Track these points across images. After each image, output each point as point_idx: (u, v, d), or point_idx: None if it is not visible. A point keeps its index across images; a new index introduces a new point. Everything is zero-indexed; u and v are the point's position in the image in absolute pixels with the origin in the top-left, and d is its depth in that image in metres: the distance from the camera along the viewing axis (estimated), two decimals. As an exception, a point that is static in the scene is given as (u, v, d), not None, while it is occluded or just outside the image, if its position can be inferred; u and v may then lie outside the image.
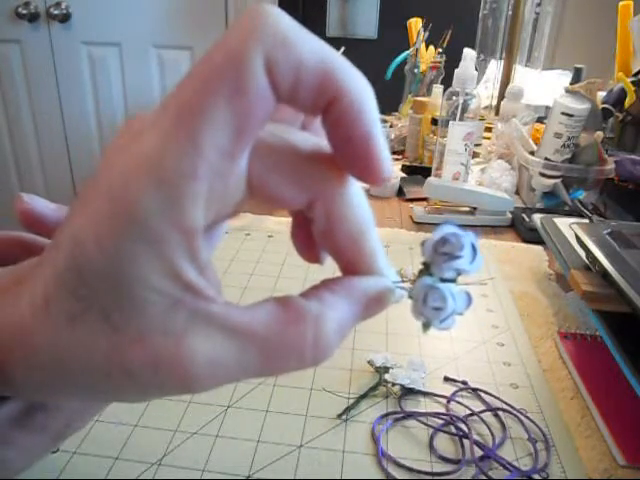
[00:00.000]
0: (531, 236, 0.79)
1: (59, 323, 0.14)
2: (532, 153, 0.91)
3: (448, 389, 0.47)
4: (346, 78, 0.14)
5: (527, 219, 0.83)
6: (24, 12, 1.80)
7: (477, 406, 0.45)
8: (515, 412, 0.44)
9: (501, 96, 1.44)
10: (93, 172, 0.14)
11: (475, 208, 0.86)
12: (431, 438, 0.42)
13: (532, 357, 0.52)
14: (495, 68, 1.62)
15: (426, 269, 0.17)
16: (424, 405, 0.45)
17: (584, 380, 0.48)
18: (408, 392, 0.46)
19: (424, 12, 1.47)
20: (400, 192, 0.98)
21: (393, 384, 0.46)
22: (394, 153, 1.25)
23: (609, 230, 0.55)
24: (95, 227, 0.13)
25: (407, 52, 1.36)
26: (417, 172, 1.08)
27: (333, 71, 0.14)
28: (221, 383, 0.15)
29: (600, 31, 1.29)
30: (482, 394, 0.46)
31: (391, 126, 1.30)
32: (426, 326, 0.17)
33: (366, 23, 2.09)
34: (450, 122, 0.87)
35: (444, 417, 0.44)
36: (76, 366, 0.14)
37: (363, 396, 0.45)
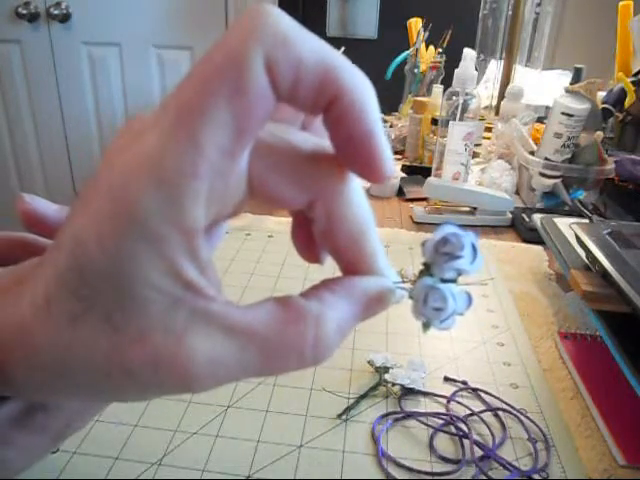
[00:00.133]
0: (531, 236, 0.79)
1: (60, 323, 0.14)
2: (532, 153, 0.91)
3: (448, 389, 0.47)
4: (346, 77, 0.14)
5: (527, 219, 0.83)
6: (24, 12, 1.80)
7: (477, 406, 0.45)
8: (515, 412, 0.44)
9: (501, 96, 1.44)
10: (93, 172, 0.14)
11: (475, 208, 0.86)
12: (431, 438, 0.42)
13: (532, 357, 0.52)
14: (495, 68, 1.62)
15: (427, 269, 0.17)
16: (424, 405, 0.45)
17: (584, 380, 0.48)
18: (408, 392, 0.46)
19: (424, 12, 1.47)
20: (400, 192, 0.98)
21: (393, 384, 0.47)
22: (394, 153, 1.25)
23: (609, 230, 0.55)
24: (96, 227, 0.13)
25: (407, 52, 1.36)
26: (417, 172, 1.08)
27: (333, 70, 0.14)
28: (221, 382, 0.15)
29: (600, 31, 1.29)
30: (482, 394, 0.46)
31: (391, 126, 1.30)
32: (426, 326, 0.17)
33: (366, 23, 2.09)
34: (450, 122, 0.87)
35: (444, 417, 0.44)
36: (77, 366, 0.14)
37: (363, 396, 0.45)
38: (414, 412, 0.44)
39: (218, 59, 0.13)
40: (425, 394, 0.46)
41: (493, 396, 0.46)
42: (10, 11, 1.82)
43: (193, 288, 0.14)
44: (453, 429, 0.43)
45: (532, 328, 0.57)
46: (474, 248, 0.17)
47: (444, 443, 0.42)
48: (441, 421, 0.44)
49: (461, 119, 0.87)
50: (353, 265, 0.17)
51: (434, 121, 1.06)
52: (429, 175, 0.92)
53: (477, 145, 1.14)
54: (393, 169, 0.16)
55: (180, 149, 0.13)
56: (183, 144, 0.13)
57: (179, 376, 0.14)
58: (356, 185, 0.16)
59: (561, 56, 1.77)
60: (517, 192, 1.00)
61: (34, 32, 1.86)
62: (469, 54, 0.88)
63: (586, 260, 0.55)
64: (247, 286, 0.63)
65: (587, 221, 0.65)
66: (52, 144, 2.02)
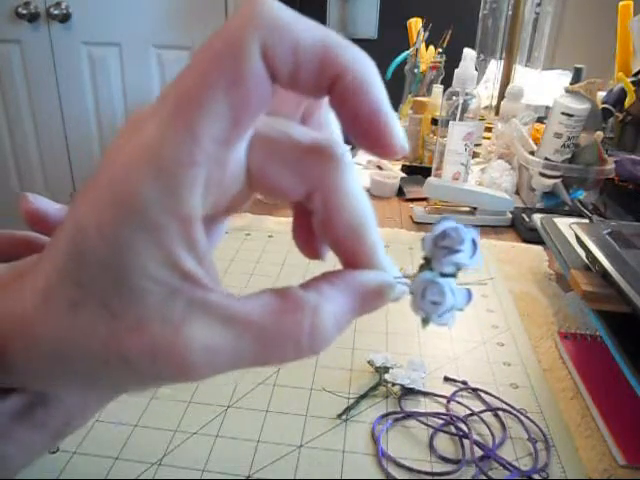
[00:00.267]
0: (531, 236, 0.79)
1: (60, 310, 0.14)
2: (532, 153, 0.91)
3: (448, 389, 0.47)
4: (346, 55, 0.14)
5: (527, 219, 0.83)
6: (24, 12, 1.80)
7: (477, 406, 0.45)
8: (515, 412, 0.44)
9: (501, 96, 1.44)
10: (94, 171, 0.14)
11: (475, 208, 0.86)
12: (431, 438, 0.42)
13: (532, 357, 0.52)
14: (495, 68, 1.62)
15: (426, 264, 0.17)
16: (424, 405, 0.45)
17: (584, 380, 0.48)
18: (408, 392, 0.46)
19: (424, 12, 1.46)
20: (400, 192, 0.98)
21: (393, 384, 0.46)
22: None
23: (609, 230, 0.55)
24: (97, 215, 0.13)
25: (407, 52, 1.36)
26: (417, 172, 1.07)
27: (332, 49, 0.14)
28: (219, 371, 0.15)
29: (600, 31, 1.29)
30: (482, 394, 0.46)
31: (391, 126, 1.30)
32: (425, 321, 0.17)
33: (366, 23, 2.09)
34: (450, 122, 0.87)
35: (444, 417, 0.44)
36: (76, 354, 0.14)
37: (363, 396, 0.45)
38: (414, 412, 0.44)
39: (215, 49, 0.13)
40: (425, 394, 0.46)
41: (493, 396, 0.46)
42: (10, 11, 1.81)
43: (190, 278, 0.14)
44: (453, 429, 0.43)
45: (532, 328, 0.57)
46: (474, 243, 0.17)
47: (444, 443, 0.42)
48: (441, 421, 0.44)
49: (461, 119, 0.87)
50: (353, 257, 0.17)
51: (434, 121, 1.06)
52: (429, 175, 0.92)
53: (477, 145, 1.14)
54: (404, 143, 0.16)
55: (178, 139, 0.13)
56: (181, 134, 0.13)
57: (176, 365, 0.14)
58: (354, 177, 0.16)
59: (561, 56, 1.77)
60: (517, 192, 1.00)
61: (34, 32, 1.86)
62: (469, 54, 0.88)
63: (586, 260, 0.55)
64: (247, 286, 0.63)
65: (587, 221, 0.65)
66: (52, 144, 2.02)
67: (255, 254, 0.71)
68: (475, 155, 1.13)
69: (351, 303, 0.16)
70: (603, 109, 0.96)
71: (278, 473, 0.38)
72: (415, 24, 1.40)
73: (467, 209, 0.88)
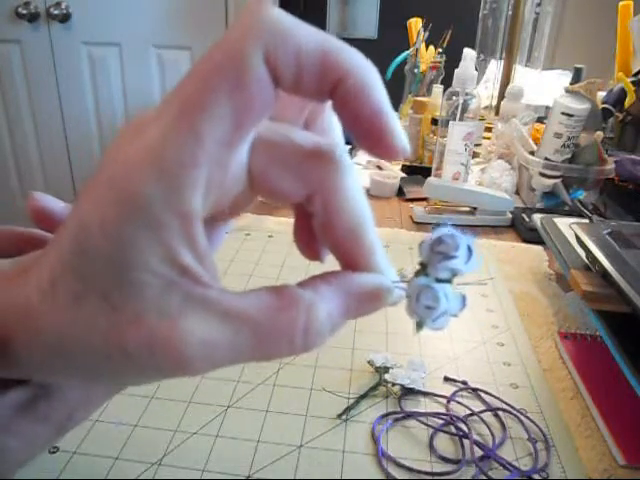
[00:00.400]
0: (531, 236, 0.79)
1: (64, 303, 0.14)
2: (532, 153, 0.91)
3: (448, 389, 0.47)
4: (347, 58, 0.15)
5: (527, 219, 0.83)
6: (24, 12, 1.80)
7: (477, 406, 0.45)
8: (515, 412, 0.44)
9: (501, 96, 1.44)
10: (94, 170, 0.15)
11: (475, 208, 0.86)
12: (431, 438, 0.42)
13: (532, 357, 0.52)
14: (495, 68, 1.62)
15: (423, 269, 0.18)
16: (424, 405, 0.45)
17: (584, 380, 0.48)
18: (408, 392, 0.46)
19: (424, 12, 1.47)
20: (400, 192, 0.98)
21: (393, 384, 0.47)
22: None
23: (609, 230, 0.55)
24: (100, 212, 0.14)
25: (407, 52, 1.36)
26: (417, 172, 1.08)
27: (333, 53, 0.15)
28: (215, 366, 0.15)
29: (600, 31, 1.29)
30: (482, 394, 0.46)
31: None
32: (419, 325, 0.18)
33: (366, 23, 2.09)
34: (450, 122, 0.87)
35: (444, 417, 0.44)
36: (78, 346, 0.14)
37: (363, 396, 0.46)
38: (414, 412, 0.44)
39: (219, 55, 0.14)
40: (425, 394, 0.46)
41: (493, 396, 0.46)
42: (10, 11, 1.81)
43: (189, 274, 0.14)
44: (453, 429, 0.43)
45: (532, 328, 0.57)
46: (469, 249, 0.17)
47: (444, 443, 0.42)
48: (441, 421, 0.44)
49: (461, 119, 0.87)
50: (351, 259, 0.17)
51: (434, 121, 1.06)
52: (429, 175, 0.92)
53: (477, 145, 1.14)
54: (405, 144, 0.16)
55: (180, 140, 0.14)
56: (184, 136, 0.14)
57: (173, 358, 0.14)
58: (353, 180, 0.17)
59: (561, 56, 1.77)
60: (517, 192, 1.00)
61: (34, 32, 1.86)
62: (469, 54, 0.88)
63: (586, 260, 0.55)
64: (246, 287, 0.63)
65: (587, 221, 0.65)
66: (52, 144, 2.02)
67: (255, 254, 0.71)
68: (475, 155, 1.13)
69: (347, 304, 0.17)
70: (603, 109, 0.96)
71: (278, 473, 0.38)
72: (415, 24, 1.40)
73: (467, 209, 0.88)
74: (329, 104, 0.16)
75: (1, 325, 0.15)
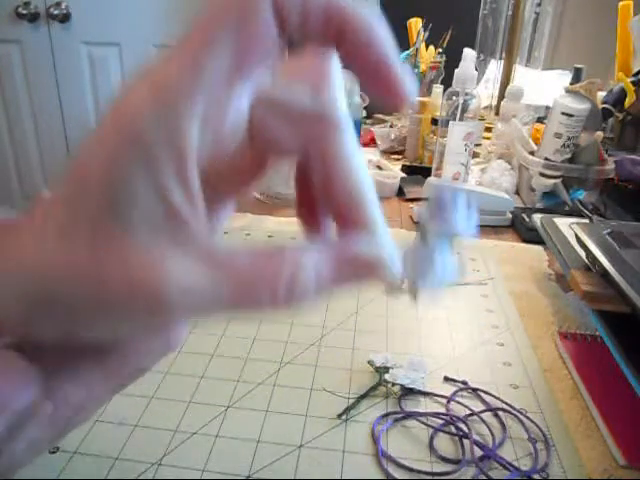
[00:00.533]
0: (531, 236, 0.79)
1: (51, 237, 0.14)
2: (532, 153, 0.91)
3: (448, 389, 0.47)
4: (350, 4, 0.16)
5: (527, 219, 0.83)
6: (24, 12, 1.80)
7: (477, 406, 0.45)
8: (515, 412, 0.44)
9: (501, 96, 1.44)
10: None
11: (475, 208, 0.86)
12: (431, 438, 0.42)
13: (532, 357, 0.52)
14: (495, 68, 1.62)
15: (420, 233, 0.17)
16: (424, 405, 0.45)
17: (584, 380, 0.48)
18: (408, 392, 0.46)
19: (424, 12, 1.47)
20: (400, 192, 0.98)
21: (393, 384, 0.46)
22: (394, 153, 1.25)
23: (609, 230, 0.55)
24: (98, 146, 0.14)
25: (407, 52, 1.36)
26: (417, 172, 1.08)
27: (336, 1, 0.15)
28: (194, 313, 0.15)
29: (600, 31, 1.29)
30: (482, 394, 0.46)
31: (391, 126, 1.30)
32: (413, 292, 0.17)
33: (366, 23, 2.08)
34: (450, 122, 0.87)
35: (444, 417, 0.44)
36: (59, 287, 0.14)
37: (363, 396, 0.46)
38: (414, 412, 0.44)
39: None
40: (425, 394, 0.46)
41: (493, 396, 0.46)
42: (10, 11, 1.82)
43: (177, 215, 0.14)
44: (453, 429, 0.43)
45: (532, 328, 0.57)
46: (466, 209, 0.17)
47: (444, 443, 0.42)
48: (441, 421, 0.44)
49: (461, 119, 0.87)
50: (350, 217, 0.17)
51: (434, 121, 1.06)
52: (429, 175, 0.93)
53: (477, 145, 1.14)
54: (413, 91, 0.17)
55: (181, 69, 0.14)
56: (184, 66, 0.14)
57: (152, 299, 0.14)
58: (352, 140, 0.17)
59: (561, 56, 1.77)
60: (517, 192, 1.00)
61: (34, 32, 1.86)
62: (469, 54, 0.88)
63: (586, 260, 0.55)
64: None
65: (587, 221, 0.65)
66: (52, 144, 2.02)
67: (255, 254, 0.71)
68: (475, 155, 1.13)
69: (337, 266, 0.16)
70: (603, 109, 0.96)
71: (278, 473, 0.38)
72: (415, 24, 1.40)
73: (467, 209, 0.88)
74: (333, 66, 0.16)
75: None
